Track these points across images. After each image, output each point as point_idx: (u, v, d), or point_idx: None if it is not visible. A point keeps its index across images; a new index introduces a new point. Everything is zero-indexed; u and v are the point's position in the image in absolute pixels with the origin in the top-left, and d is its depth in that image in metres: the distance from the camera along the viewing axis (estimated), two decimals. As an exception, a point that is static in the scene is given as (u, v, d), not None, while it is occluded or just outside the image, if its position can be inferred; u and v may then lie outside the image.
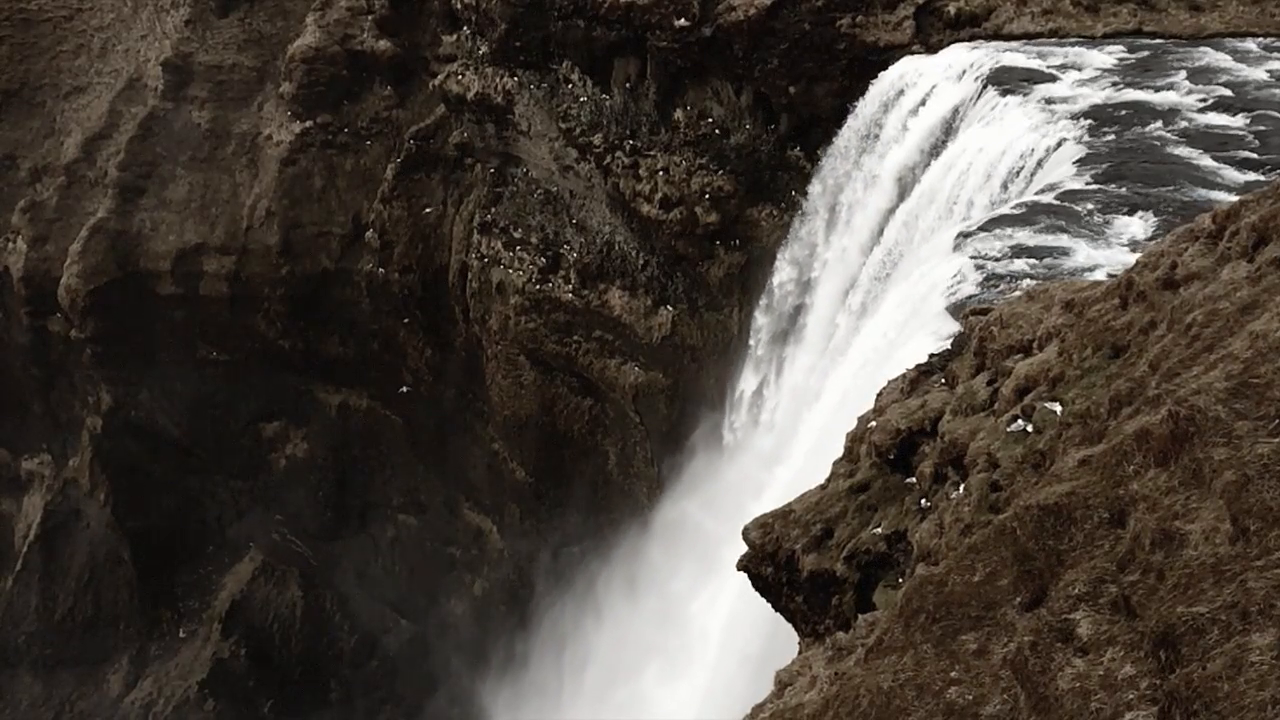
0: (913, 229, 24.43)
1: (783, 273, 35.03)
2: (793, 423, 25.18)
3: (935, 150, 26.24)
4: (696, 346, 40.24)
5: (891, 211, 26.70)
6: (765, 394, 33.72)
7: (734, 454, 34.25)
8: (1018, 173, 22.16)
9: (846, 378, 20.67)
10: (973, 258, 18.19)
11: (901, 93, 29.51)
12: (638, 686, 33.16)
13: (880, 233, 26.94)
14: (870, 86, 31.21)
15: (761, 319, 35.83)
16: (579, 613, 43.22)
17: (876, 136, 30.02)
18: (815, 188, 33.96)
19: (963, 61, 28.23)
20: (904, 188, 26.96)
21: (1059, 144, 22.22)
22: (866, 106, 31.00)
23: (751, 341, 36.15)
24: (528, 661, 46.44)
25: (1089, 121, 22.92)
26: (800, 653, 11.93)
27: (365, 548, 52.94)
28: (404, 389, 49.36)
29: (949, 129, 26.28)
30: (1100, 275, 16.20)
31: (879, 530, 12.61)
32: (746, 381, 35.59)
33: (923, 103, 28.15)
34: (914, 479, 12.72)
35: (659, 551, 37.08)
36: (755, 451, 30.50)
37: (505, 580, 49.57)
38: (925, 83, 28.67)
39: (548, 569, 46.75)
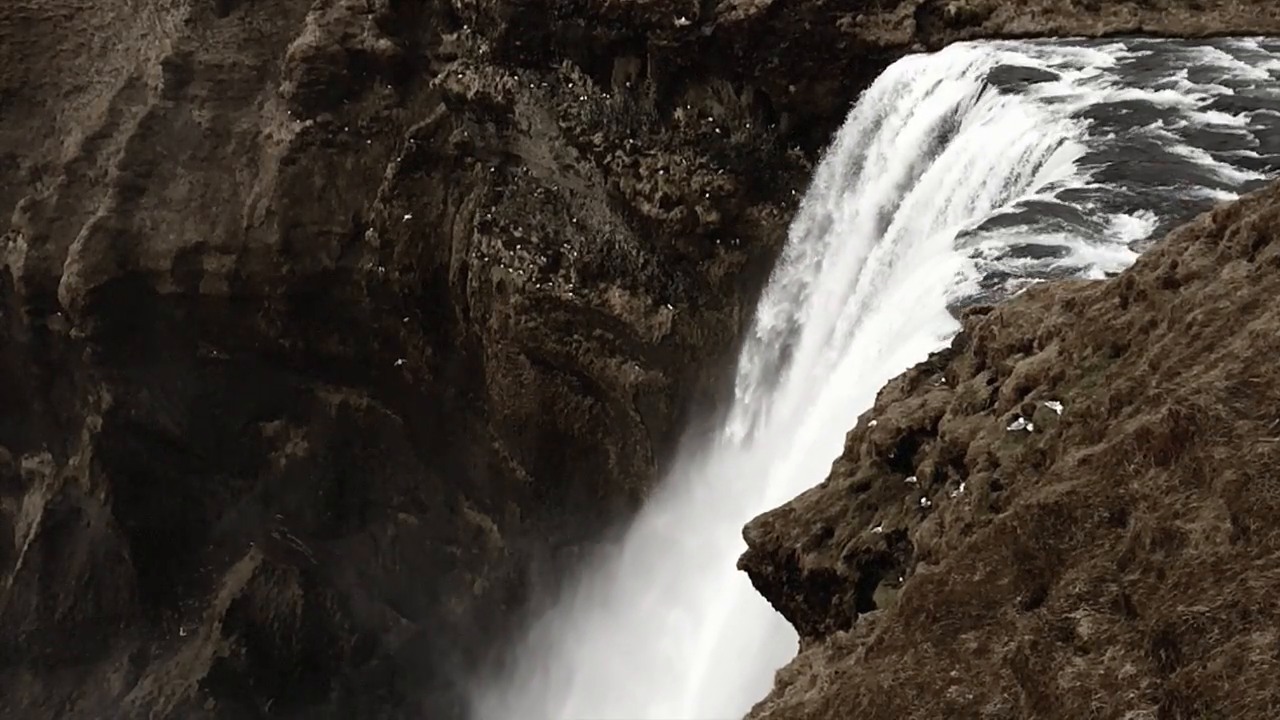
0: (885, 275, 24.08)
1: (766, 319, 34.87)
2: (763, 473, 24.86)
3: (910, 184, 26.06)
4: (697, 345, 40.25)
5: (864, 260, 26.39)
6: (756, 437, 33.39)
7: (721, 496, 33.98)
8: (1014, 180, 22.10)
9: (815, 429, 20.44)
10: (973, 256, 18.19)
11: (879, 123, 29.32)
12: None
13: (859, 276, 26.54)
14: (849, 115, 31.16)
15: (747, 365, 35.49)
16: (563, 627, 43.45)
17: (856, 174, 29.89)
18: (796, 231, 33.90)
19: (962, 61, 28.22)
20: (884, 227, 26.62)
21: (1059, 143, 22.22)
22: (846, 137, 30.90)
23: (738, 390, 35.88)
24: (514, 673, 46.58)
25: (1089, 120, 22.92)
26: (800, 652, 11.93)
27: (365, 546, 52.95)
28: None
29: (932, 154, 26.07)
30: (1100, 274, 16.19)
31: (879, 529, 12.61)
32: (734, 427, 35.29)
33: (904, 123, 27.99)
34: (914, 478, 12.71)
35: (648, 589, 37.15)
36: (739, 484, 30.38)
37: (505, 579, 49.58)
38: (905, 105, 28.52)
39: (547, 568, 46.78)
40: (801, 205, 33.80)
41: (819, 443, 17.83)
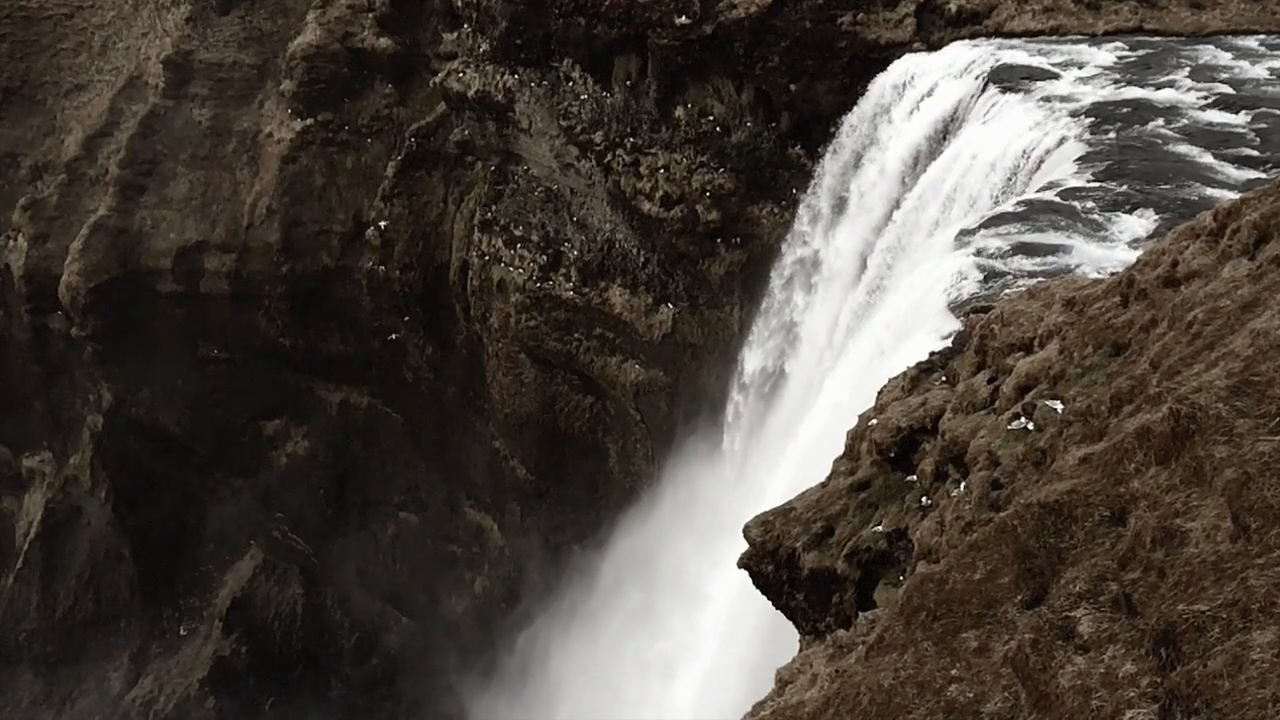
0: (855, 332, 23.73)
1: (753, 363, 34.88)
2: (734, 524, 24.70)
3: (880, 228, 25.87)
4: (697, 344, 40.24)
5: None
6: (746, 481, 33.20)
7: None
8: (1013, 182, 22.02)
9: (786, 477, 20.32)
10: (973, 255, 18.18)
11: (860, 162, 29.21)
12: None
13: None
14: (827, 150, 31.15)
15: (734, 413, 35.34)
16: (549, 635, 43.58)
17: (839, 213, 29.83)
18: (777, 280, 33.99)
19: (964, 60, 28.18)
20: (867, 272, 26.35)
21: (1060, 142, 22.21)
22: (827, 175, 30.86)
23: (726, 437, 35.73)
24: (506, 677, 46.73)
25: (1090, 119, 22.91)
26: (801, 650, 11.93)
27: (366, 545, 52.96)
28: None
29: (910, 192, 25.92)
30: (1101, 273, 16.18)
31: (880, 528, 12.61)
32: (726, 470, 35.17)
33: (884, 154, 27.93)
34: (915, 477, 12.72)
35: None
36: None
37: (506, 578, 49.60)
38: (885, 135, 28.46)
39: (547, 568, 46.80)
40: (782, 250, 33.97)
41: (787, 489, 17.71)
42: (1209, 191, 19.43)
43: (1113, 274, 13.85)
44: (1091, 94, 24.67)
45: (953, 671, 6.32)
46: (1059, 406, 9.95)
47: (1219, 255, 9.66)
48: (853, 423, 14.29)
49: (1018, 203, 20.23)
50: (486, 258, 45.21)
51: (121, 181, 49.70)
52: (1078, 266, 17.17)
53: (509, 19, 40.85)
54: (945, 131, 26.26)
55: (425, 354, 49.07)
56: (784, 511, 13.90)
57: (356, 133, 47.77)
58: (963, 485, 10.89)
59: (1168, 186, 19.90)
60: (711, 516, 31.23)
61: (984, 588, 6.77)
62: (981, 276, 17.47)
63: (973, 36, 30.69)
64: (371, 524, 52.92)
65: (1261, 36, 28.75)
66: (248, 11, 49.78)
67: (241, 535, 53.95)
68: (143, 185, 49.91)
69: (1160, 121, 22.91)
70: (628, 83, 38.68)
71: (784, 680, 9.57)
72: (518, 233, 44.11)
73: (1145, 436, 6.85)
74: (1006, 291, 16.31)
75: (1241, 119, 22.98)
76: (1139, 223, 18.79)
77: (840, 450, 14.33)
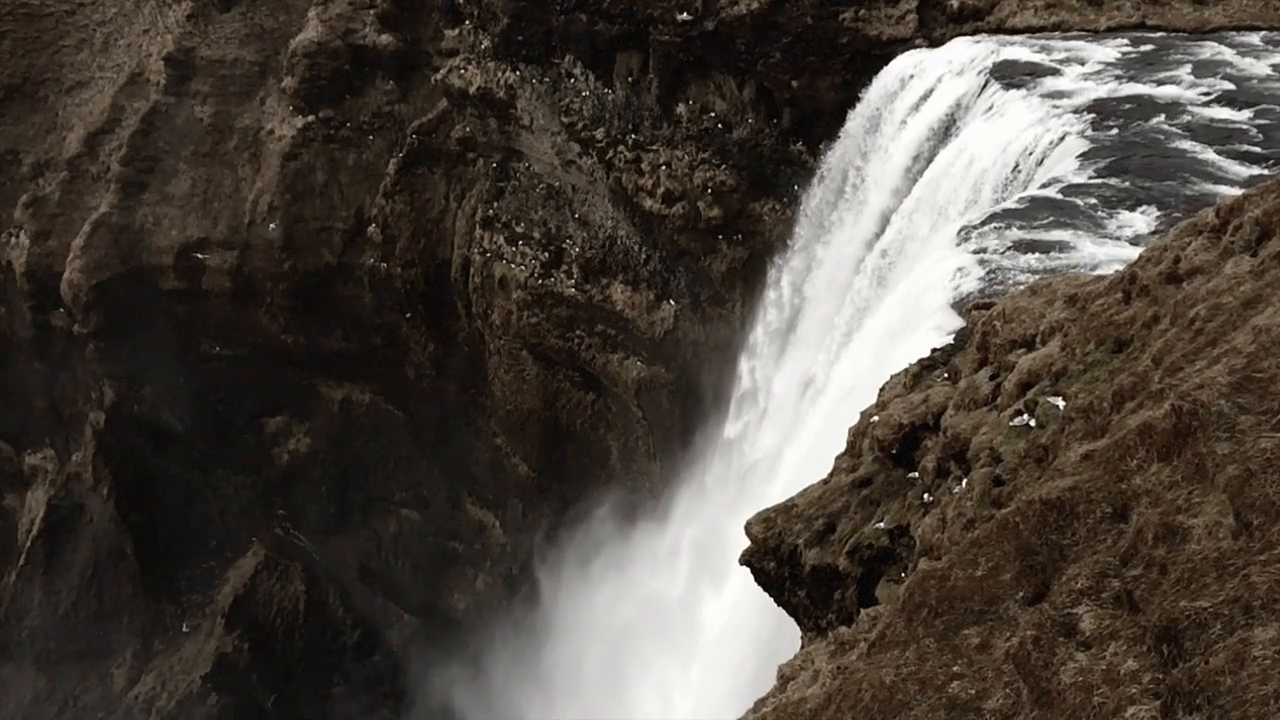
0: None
1: (735, 427, 34.89)
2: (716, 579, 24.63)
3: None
4: (699, 341, 40.24)
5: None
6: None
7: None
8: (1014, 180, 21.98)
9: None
10: (975, 252, 18.16)
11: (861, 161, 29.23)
12: None
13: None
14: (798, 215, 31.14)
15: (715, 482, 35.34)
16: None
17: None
18: (745, 364, 34.04)
19: (965, 56, 28.13)
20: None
21: (1062, 138, 22.18)
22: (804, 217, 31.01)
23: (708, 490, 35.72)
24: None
25: (1092, 115, 22.89)
26: (803, 647, 11.92)
27: (368, 542, 53.00)
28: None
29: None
30: (1103, 270, 16.16)
31: (881, 525, 12.60)
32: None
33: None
34: (917, 473, 12.70)
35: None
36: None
37: (507, 574, 49.63)
38: (884, 137, 28.43)
39: (549, 565, 46.86)
40: (750, 341, 34.09)
41: None
42: (1211, 188, 19.41)
43: (1115, 271, 13.83)
44: (1093, 90, 24.64)
45: (954, 668, 6.32)
46: (1061, 403, 9.94)
47: (1221, 251, 9.65)
48: (855, 419, 14.29)
49: (1019, 199, 20.21)
50: (488, 254, 45.22)
51: (123, 178, 49.71)
52: (1087, 263, 17.14)
53: (511, 15, 40.84)
54: (947, 128, 26.24)
55: (427, 351, 49.09)
56: (786, 508, 13.90)
57: (358, 129, 47.78)
58: (965, 482, 10.88)
59: (1170, 183, 19.87)
60: None
61: (986, 584, 6.76)
62: (983, 273, 17.45)
63: (975, 33, 30.70)
64: (373, 521, 52.96)
65: (1264, 33, 28.72)
66: (249, 8, 49.77)
67: (243, 532, 53.99)
68: (144, 182, 49.93)
69: (1162, 118, 22.89)
70: (629, 79, 38.67)
71: (786, 677, 9.57)
72: (519, 229, 44.12)
73: (1147, 433, 6.85)
74: (1008, 288, 16.29)
75: (1244, 115, 22.95)
76: (1141, 219, 18.76)
77: (841, 448, 14.33)
